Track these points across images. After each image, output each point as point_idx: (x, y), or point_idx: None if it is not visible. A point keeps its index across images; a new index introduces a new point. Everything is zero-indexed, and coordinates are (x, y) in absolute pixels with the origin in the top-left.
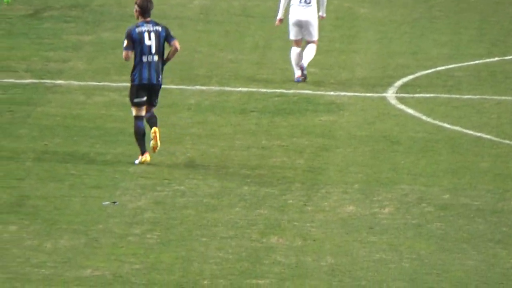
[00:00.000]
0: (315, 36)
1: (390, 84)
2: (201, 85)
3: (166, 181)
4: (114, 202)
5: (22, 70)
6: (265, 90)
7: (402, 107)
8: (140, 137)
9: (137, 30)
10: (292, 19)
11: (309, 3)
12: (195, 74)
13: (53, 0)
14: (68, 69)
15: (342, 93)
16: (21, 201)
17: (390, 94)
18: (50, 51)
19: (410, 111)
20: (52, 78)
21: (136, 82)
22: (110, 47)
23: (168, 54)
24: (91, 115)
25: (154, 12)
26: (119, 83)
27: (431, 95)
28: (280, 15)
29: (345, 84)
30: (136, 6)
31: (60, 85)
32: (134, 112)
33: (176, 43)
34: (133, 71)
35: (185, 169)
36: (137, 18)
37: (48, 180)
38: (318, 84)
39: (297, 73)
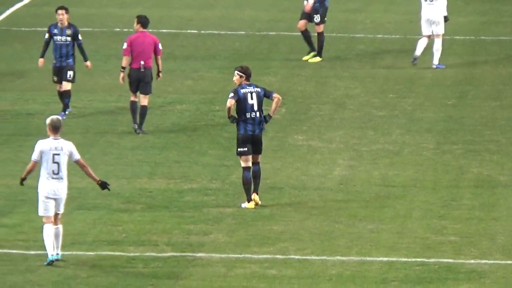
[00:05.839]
0: None
1: None
2: (342, 255)
3: None
4: None
5: (163, 244)
6: (405, 259)
7: None
8: (247, 186)
9: (242, 91)
10: None
11: None
12: (336, 244)
13: (193, 173)
14: (209, 241)
15: (483, 261)
16: None
17: None
18: (191, 224)
19: None
20: (193, 251)
21: (242, 132)
22: (251, 219)
23: (272, 106)
24: (232, 287)
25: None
26: (260, 255)
27: None
28: None
29: (485, 252)
30: (237, 72)
31: (201, 258)
32: (242, 163)
33: (275, 94)
34: (238, 124)
35: None
36: (240, 84)
37: None
38: (458, 252)
39: None
